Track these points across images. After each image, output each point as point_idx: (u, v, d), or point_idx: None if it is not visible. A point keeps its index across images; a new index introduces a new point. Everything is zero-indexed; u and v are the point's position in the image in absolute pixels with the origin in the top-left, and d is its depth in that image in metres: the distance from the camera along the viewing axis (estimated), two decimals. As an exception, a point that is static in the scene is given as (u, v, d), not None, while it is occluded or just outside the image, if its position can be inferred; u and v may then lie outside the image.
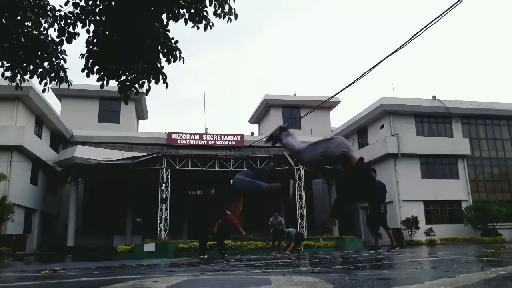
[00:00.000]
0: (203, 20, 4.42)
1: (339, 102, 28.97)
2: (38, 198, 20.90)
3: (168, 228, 18.38)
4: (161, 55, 4.60)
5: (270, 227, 11.59)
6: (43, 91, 5.03)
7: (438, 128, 23.42)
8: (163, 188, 18.58)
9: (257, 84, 79.70)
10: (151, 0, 4.26)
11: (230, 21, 4.43)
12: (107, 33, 4.46)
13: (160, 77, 4.70)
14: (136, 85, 4.77)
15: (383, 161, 22.13)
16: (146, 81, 4.72)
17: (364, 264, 4.36)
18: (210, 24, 4.47)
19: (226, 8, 4.36)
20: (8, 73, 4.87)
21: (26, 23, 4.66)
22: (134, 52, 4.45)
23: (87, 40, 4.51)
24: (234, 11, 4.39)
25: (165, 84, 4.76)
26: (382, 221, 9.31)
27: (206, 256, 8.32)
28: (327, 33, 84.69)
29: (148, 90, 4.76)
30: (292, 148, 4.35)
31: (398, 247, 9.00)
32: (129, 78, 4.71)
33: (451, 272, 2.87)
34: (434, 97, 23.08)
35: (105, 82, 4.63)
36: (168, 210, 18.66)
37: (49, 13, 4.73)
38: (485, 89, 71.79)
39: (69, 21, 4.51)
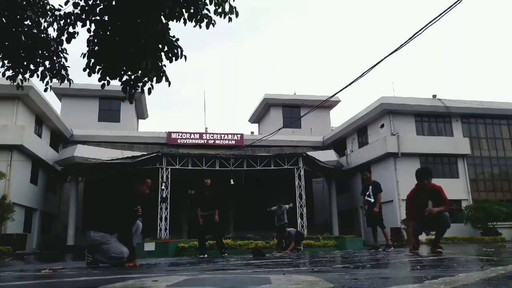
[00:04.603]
0: (204, 19, 4.40)
1: (339, 101, 28.96)
2: (38, 198, 20.90)
3: (168, 228, 18.39)
4: (162, 54, 4.58)
5: (274, 217, 10.87)
6: (45, 90, 5.02)
7: (438, 127, 23.41)
8: (163, 187, 18.59)
9: (257, 83, 79.70)
10: (151, 0, 4.25)
11: (231, 20, 4.40)
12: (107, 32, 4.45)
13: (162, 75, 4.68)
14: (140, 84, 4.75)
15: (383, 161, 22.14)
16: (148, 80, 4.70)
17: (364, 264, 4.36)
18: (212, 22, 4.45)
19: (227, 7, 4.33)
20: (9, 73, 4.86)
21: (26, 22, 4.65)
22: (136, 51, 4.44)
23: (88, 39, 4.50)
24: (235, 10, 4.37)
25: (168, 82, 4.74)
26: (378, 221, 9.34)
27: (206, 256, 8.31)
28: (327, 32, 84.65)
29: (150, 89, 4.74)
30: None
31: (392, 248, 9.03)
32: (133, 77, 4.69)
33: (451, 271, 2.87)
34: (434, 96, 23.07)
35: (106, 82, 4.62)
36: (168, 209, 18.68)
37: (48, 12, 4.72)
38: (486, 88, 71.79)
39: (68, 20, 4.50)
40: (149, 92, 4.76)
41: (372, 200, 9.36)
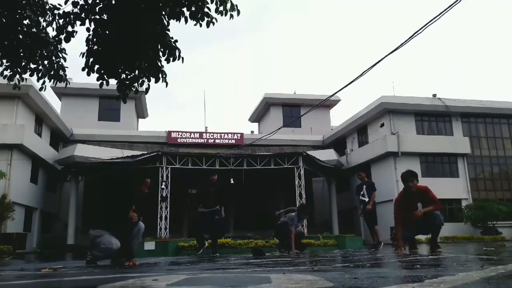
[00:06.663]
0: (205, 17, 4.39)
1: (339, 100, 28.97)
2: (38, 197, 20.91)
3: (168, 227, 18.39)
4: (160, 54, 4.58)
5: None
6: (41, 89, 5.03)
7: (438, 126, 23.41)
8: (163, 186, 18.58)
9: (257, 82, 79.71)
10: (151, 0, 4.24)
11: (232, 17, 4.39)
12: (107, 32, 4.44)
13: (160, 75, 4.69)
14: (136, 84, 4.75)
15: (383, 160, 22.13)
16: (146, 80, 4.70)
17: (364, 263, 4.36)
18: (213, 21, 4.44)
19: (228, 5, 4.32)
20: (7, 72, 4.85)
21: (25, 22, 4.64)
22: (134, 51, 4.43)
23: (87, 38, 4.49)
24: (237, 7, 4.36)
25: (165, 82, 4.75)
26: (371, 219, 9.44)
27: (206, 246, 8.39)
28: (327, 31, 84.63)
29: (147, 89, 4.74)
30: None
31: (382, 243, 9.14)
32: (129, 77, 4.69)
33: (451, 270, 2.87)
34: (434, 95, 23.07)
35: (104, 82, 4.61)
36: (168, 208, 18.67)
37: (47, 12, 4.71)
38: (486, 87, 71.82)
39: (68, 19, 4.50)
40: (146, 92, 4.77)
41: (367, 199, 9.45)
